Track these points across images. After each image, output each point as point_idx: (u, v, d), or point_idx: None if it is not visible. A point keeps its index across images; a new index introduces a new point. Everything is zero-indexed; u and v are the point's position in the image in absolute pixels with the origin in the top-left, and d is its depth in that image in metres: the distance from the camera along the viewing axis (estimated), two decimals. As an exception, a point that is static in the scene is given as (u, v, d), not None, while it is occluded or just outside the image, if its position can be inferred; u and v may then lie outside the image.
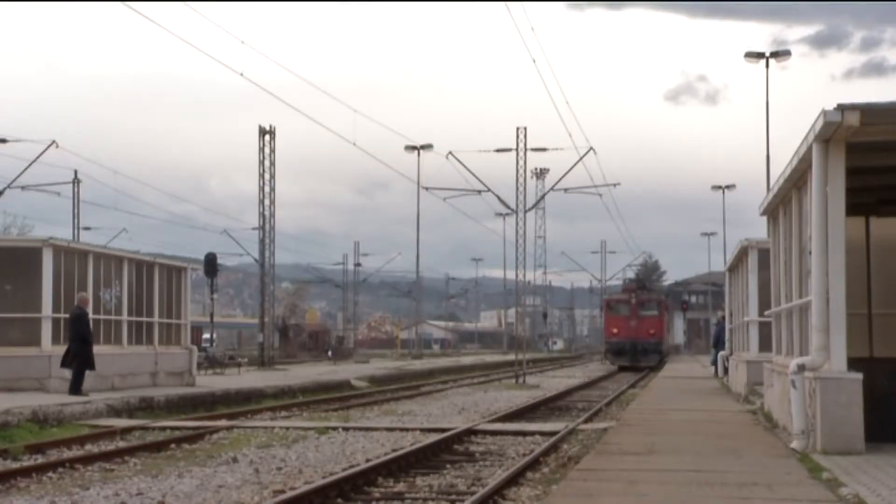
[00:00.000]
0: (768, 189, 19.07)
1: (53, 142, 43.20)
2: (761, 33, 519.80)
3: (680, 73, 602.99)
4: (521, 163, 46.55)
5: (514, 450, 16.50)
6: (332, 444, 17.31)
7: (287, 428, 19.48)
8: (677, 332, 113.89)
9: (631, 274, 79.15)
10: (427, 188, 49.10)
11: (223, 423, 20.51)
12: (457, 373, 51.50)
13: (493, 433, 18.77)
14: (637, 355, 56.87)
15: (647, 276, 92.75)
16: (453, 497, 11.88)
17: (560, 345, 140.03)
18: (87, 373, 23.08)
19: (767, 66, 42.23)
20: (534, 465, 14.21)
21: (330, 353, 73.48)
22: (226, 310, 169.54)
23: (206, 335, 60.22)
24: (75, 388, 22.52)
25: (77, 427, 19.06)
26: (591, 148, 41.84)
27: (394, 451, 15.69)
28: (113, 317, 26.65)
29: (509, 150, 46.64)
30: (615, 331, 58.70)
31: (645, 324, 58.29)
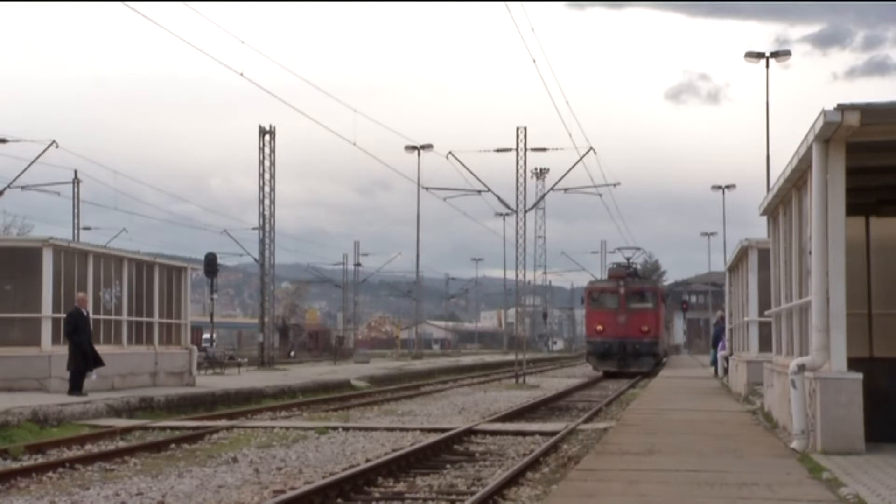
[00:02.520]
0: (768, 189, 19.07)
1: (53, 142, 43.19)
2: (763, 31, 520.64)
3: (681, 71, 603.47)
4: (521, 163, 46.60)
5: (514, 450, 16.50)
6: (332, 444, 17.31)
7: (287, 428, 19.48)
8: (677, 331, 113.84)
9: (621, 258, 57.61)
10: (427, 188, 49.13)
11: (223, 423, 20.51)
12: (457, 373, 51.50)
13: (493, 433, 18.77)
14: (626, 358, 46.71)
15: (647, 273, 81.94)
16: (453, 497, 11.88)
17: (560, 345, 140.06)
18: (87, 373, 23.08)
19: (768, 65, 42.21)
20: (534, 465, 14.22)
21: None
22: (226, 310, 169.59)
23: (206, 335, 60.26)
24: (75, 387, 22.52)
25: (77, 427, 19.06)
26: (591, 148, 41.88)
27: (394, 451, 15.69)
28: (113, 317, 26.64)
29: (509, 150, 46.68)
30: (599, 328, 47.54)
31: (636, 319, 47.29)
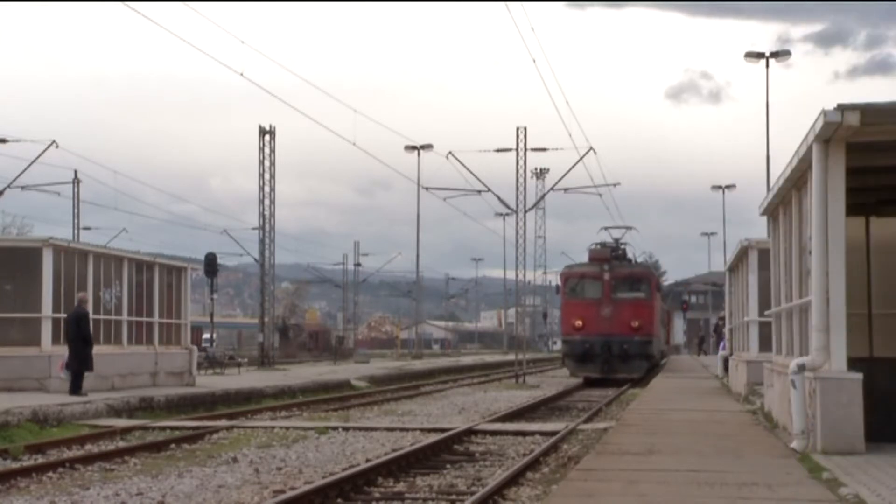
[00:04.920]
0: (768, 189, 19.07)
1: (53, 142, 43.19)
2: (765, 30, 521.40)
3: (683, 70, 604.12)
4: (521, 163, 46.63)
5: (514, 450, 16.50)
6: (332, 444, 17.32)
7: (287, 428, 19.48)
8: (677, 331, 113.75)
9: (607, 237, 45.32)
10: (427, 188, 49.13)
11: (223, 423, 20.52)
12: (457, 373, 51.51)
13: (493, 433, 18.78)
14: (612, 361, 38.08)
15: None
16: (453, 497, 11.88)
17: (560, 345, 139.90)
18: (87, 373, 23.06)
19: (767, 65, 42.14)
20: (534, 465, 14.22)
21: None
22: (226, 310, 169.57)
23: (206, 335, 60.22)
24: (75, 388, 22.52)
25: (77, 427, 19.06)
26: (591, 148, 41.83)
27: (394, 451, 15.69)
28: (113, 317, 26.63)
29: (509, 150, 46.70)
30: (578, 323, 38.77)
31: (625, 311, 38.53)
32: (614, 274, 39.29)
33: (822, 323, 11.90)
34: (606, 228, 45.56)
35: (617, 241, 43.84)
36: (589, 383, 38.01)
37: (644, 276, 40.92)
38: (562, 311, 41.91)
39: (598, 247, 42.06)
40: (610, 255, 40.42)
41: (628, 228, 46.25)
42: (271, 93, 30.74)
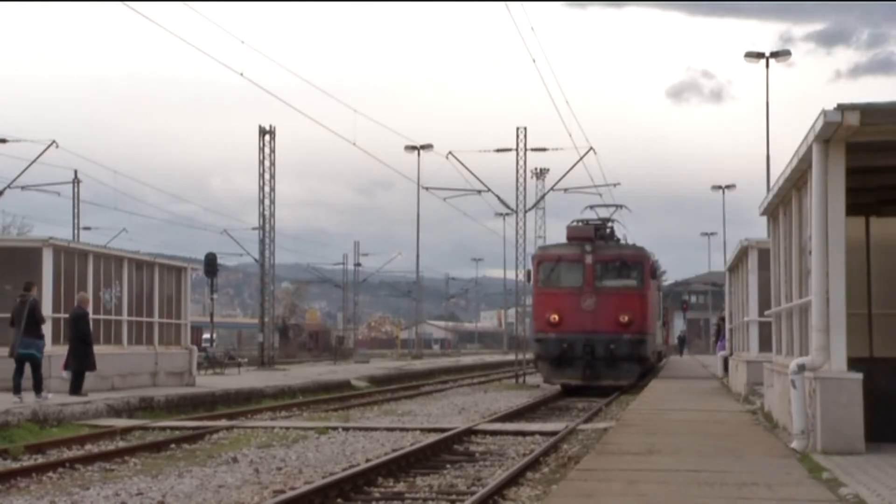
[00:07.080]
0: (768, 189, 19.07)
1: (53, 142, 43.23)
2: (767, 29, 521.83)
3: (684, 69, 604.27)
4: (521, 163, 46.63)
5: (514, 450, 16.50)
6: (332, 444, 17.32)
7: (287, 428, 19.48)
8: (677, 331, 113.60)
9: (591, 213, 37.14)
10: (427, 188, 49.12)
11: (223, 423, 20.52)
12: (457, 373, 51.51)
13: (493, 433, 18.77)
14: (596, 365, 31.24)
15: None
16: (453, 497, 11.89)
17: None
18: (88, 373, 23.05)
19: (767, 65, 42.04)
20: (534, 465, 14.22)
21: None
22: (226, 310, 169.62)
23: (206, 335, 60.23)
24: (75, 388, 22.52)
25: (77, 427, 19.06)
26: (591, 148, 41.82)
27: (394, 451, 15.69)
28: (113, 317, 26.63)
29: (509, 150, 46.70)
30: (554, 318, 31.62)
31: (612, 303, 31.50)
32: (598, 257, 32.04)
33: (822, 323, 11.91)
34: (592, 207, 37.63)
35: (605, 220, 35.57)
36: (568, 392, 31.74)
37: (635, 260, 32.98)
38: (534, 302, 34.04)
39: (580, 224, 34.19)
40: (594, 234, 32.77)
41: (618, 207, 38.18)
42: (271, 93, 30.75)
